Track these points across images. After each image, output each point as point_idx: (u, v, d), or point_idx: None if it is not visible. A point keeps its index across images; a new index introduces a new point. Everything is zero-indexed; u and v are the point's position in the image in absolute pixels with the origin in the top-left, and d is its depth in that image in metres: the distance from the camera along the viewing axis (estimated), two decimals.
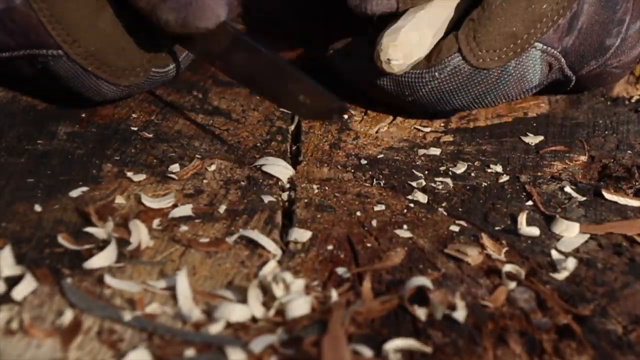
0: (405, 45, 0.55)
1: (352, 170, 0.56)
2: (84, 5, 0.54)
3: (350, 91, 0.62)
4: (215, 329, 0.41)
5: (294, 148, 0.59)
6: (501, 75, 0.58)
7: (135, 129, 0.59)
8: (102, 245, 0.46)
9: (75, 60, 0.55)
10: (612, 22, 0.59)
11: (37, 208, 0.49)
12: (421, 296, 0.44)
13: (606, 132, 0.63)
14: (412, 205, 0.53)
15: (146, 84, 0.58)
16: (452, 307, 0.43)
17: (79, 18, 0.54)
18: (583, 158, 0.59)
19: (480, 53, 0.56)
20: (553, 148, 0.60)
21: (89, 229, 0.47)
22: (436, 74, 0.57)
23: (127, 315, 0.41)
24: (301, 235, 0.48)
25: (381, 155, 0.58)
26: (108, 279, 0.44)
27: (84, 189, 0.51)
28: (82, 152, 0.55)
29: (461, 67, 0.57)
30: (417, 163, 0.58)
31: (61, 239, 0.46)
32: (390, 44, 0.55)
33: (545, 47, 0.58)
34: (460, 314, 0.42)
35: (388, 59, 0.55)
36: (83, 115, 0.60)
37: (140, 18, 0.55)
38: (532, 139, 0.61)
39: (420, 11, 0.57)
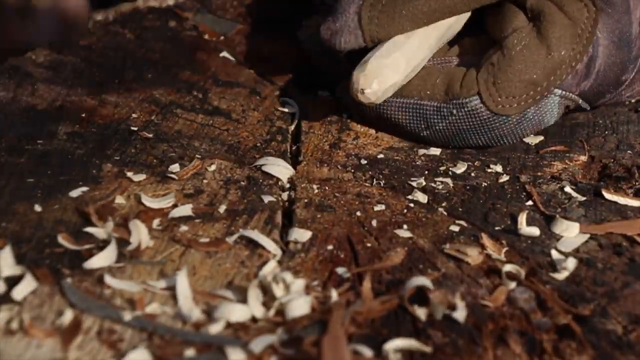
0: (375, 72, 0.55)
1: (352, 170, 0.56)
2: None
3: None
4: (215, 329, 0.41)
5: (294, 148, 0.60)
6: (520, 121, 0.58)
7: (135, 129, 0.59)
8: (102, 245, 0.46)
9: None
10: (629, 61, 0.59)
11: (37, 208, 0.49)
12: (421, 296, 0.44)
13: (606, 132, 0.62)
14: (412, 205, 0.53)
15: None
16: (452, 307, 0.43)
17: None
18: (583, 158, 0.59)
19: (499, 99, 0.56)
20: (553, 148, 0.60)
21: (89, 229, 0.47)
22: (454, 110, 0.57)
23: (127, 315, 0.41)
24: (301, 235, 0.48)
25: (381, 155, 0.58)
26: (108, 279, 0.44)
27: (84, 189, 0.51)
28: (82, 152, 0.55)
29: (480, 111, 0.57)
30: (417, 163, 0.58)
31: (61, 239, 0.46)
32: (360, 75, 0.54)
33: (563, 92, 0.58)
34: (460, 314, 0.42)
35: (362, 89, 0.54)
36: (83, 115, 0.60)
37: None
38: (532, 139, 0.61)
39: (388, 42, 0.57)
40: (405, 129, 0.59)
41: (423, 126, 0.58)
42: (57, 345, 0.39)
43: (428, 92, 0.57)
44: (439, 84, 0.57)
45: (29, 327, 0.40)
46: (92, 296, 0.43)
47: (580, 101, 0.60)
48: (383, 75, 0.55)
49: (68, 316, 0.41)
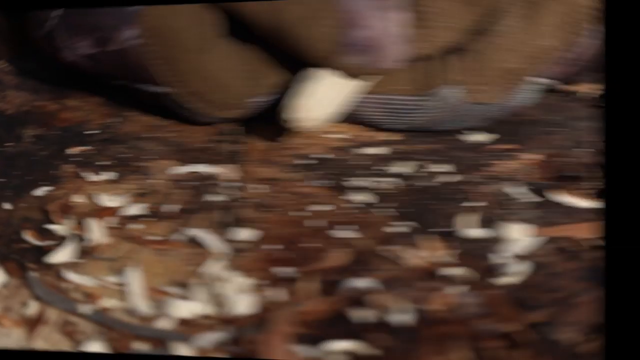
0: (299, 105, 0.58)
1: (299, 170, 0.57)
2: (190, 48, 0.59)
3: None
4: (163, 324, 0.44)
5: (240, 148, 0.60)
6: (500, 108, 0.60)
7: (93, 131, 0.61)
8: (61, 241, 0.49)
9: (177, 99, 0.60)
10: None
11: (8, 206, 0.52)
12: (364, 298, 0.44)
13: (561, 130, 0.61)
14: (357, 205, 0.53)
15: (248, 112, 0.62)
16: (395, 310, 0.43)
17: (185, 61, 0.59)
18: (537, 157, 0.58)
19: (473, 87, 0.59)
20: (506, 146, 0.59)
21: (50, 226, 0.50)
22: (426, 102, 0.59)
23: (85, 308, 0.44)
24: (247, 234, 0.50)
25: (328, 155, 0.59)
26: (67, 274, 0.47)
27: (47, 188, 0.54)
28: (46, 154, 0.58)
29: (453, 99, 0.59)
30: (365, 163, 0.58)
31: (26, 235, 0.50)
32: (286, 107, 0.58)
33: (542, 79, 0.61)
34: (403, 317, 0.43)
35: (286, 119, 0.58)
36: (46, 118, 0.62)
37: (246, 57, 0.59)
38: (485, 137, 0.60)
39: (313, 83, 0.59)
40: (380, 123, 0.61)
41: (395, 120, 0.60)
42: (23, 334, 0.43)
43: (399, 88, 0.60)
44: (407, 79, 0.60)
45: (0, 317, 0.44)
46: (54, 289, 0.46)
47: (559, 83, 0.62)
48: (306, 108, 0.58)
49: (33, 308, 0.44)
